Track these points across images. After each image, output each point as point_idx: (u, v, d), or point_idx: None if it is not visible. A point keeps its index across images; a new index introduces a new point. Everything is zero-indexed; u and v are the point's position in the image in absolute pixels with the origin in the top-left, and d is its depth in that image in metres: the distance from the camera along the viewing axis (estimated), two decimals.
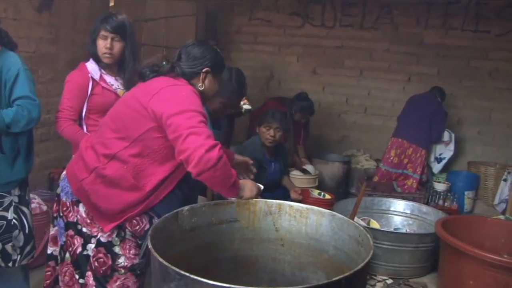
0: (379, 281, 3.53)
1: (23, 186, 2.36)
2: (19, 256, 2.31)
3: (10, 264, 2.28)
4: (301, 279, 2.05)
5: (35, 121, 2.28)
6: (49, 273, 2.24)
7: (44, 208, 3.46)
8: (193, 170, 1.74)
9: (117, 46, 2.74)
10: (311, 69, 6.44)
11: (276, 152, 3.73)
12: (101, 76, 2.80)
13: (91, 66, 2.79)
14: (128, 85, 2.87)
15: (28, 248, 2.38)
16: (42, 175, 4.11)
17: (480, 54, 5.77)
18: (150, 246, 1.53)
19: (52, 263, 2.23)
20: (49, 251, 2.25)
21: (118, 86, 2.86)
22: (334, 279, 1.38)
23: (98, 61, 2.80)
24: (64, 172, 2.16)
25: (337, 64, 6.32)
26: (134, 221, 2.01)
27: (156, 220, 2.01)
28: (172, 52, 5.46)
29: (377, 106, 6.25)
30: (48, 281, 2.24)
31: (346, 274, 1.40)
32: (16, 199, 2.31)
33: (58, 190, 2.18)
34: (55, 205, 2.21)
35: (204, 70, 2.09)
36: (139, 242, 2.05)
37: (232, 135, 4.89)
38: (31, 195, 3.32)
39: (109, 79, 2.84)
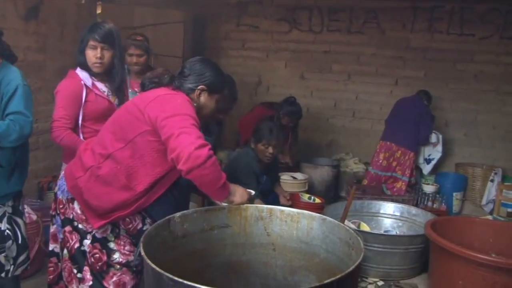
0: (370, 283, 3.55)
1: (17, 197, 2.35)
2: (12, 267, 2.30)
3: (3, 275, 2.27)
4: (293, 283, 2.06)
5: (26, 137, 2.27)
6: (51, 269, 2.31)
7: (34, 217, 3.44)
8: (182, 167, 1.77)
9: (107, 55, 2.74)
10: (299, 74, 6.47)
11: (268, 164, 3.70)
12: (93, 83, 2.80)
13: (82, 74, 2.79)
14: (117, 92, 2.90)
15: (21, 258, 2.37)
16: (31, 185, 4.09)
17: (465, 57, 5.85)
18: (143, 253, 1.54)
19: (54, 259, 2.30)
20: (50, 248, 2.32)
21: (109, 92, 2.86)
22: (325, 281, 1.40)
23: (86, 70, 2.79)
24: (62, 173, 2.24)
25: (325, 69, 6.36)
26: (127, 219, 2.07)
27: (148, 221, 2.08)
28: (160, 59, 5.48)
29: (365, 110, 6.30)
30: (51, 277, 2.31)
31: (338, 276, 1.42)
32: (9, 210, 2.30)
33: (56, 189, 2.24)
34: (53, 204, 2.26)
35: (199, 87, 2.14)
36: (133, 240, 2.09)
37: (220, 140, 4.89)
38: None
39: (100, 85, 2.84)
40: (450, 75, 5.92)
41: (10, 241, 2.29)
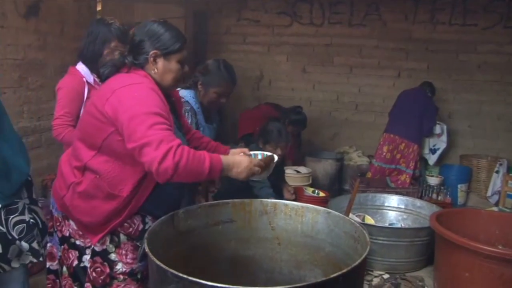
0: (375, 277, 3.54)
1: (28, 187, 2.32)
2: (43, 250, 2.32)
3: (41, 259, 2.30)
4: (299, 277, 2.05)
5: None
6: (49, 285, 2.22)
7: None
8: (159, 181, 1.71)
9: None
10: (301, 67, 6.45)
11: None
12: (94, 80, 2.77)
13: (83, 70, 2.77)
14: None
15: (44, 241, 2.39)
16: (35, 182, 4.08)
17: (468, 48, 5.81)
18: (147, 250, 1.52)
19: (51, 276, 2.21)
20: (47, 265, 2.23)
21: None
22: (331, 276, 1.38)
23: (92, 67, 2.75)
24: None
25: (326, 62, 6.34)
26: (125, 224, 1.96)
27: (149, 218, 1.99)
28: None
29: (368, 102, 6.28)
30: None
31: (344, 270, 1.41)
32: (27, 201, 2.32)
33: (50, 206, 2.17)
34: (49, 221, 2.20)
35: (151, 54, 1.93)
36: (137, 244, 1.99)
37: (222, 129, 4.91)
38: None
39: None
40: (453, 66, 5.89)
41: (36, 228, 2.32)
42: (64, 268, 2.08)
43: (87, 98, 2.71)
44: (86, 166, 1.90)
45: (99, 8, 5.20)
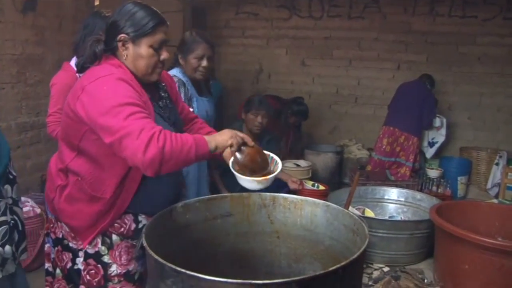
0: (375, 269, 3.54)
1: (12, 185, 2.28)
2: (19, 254, 2.28)
3: (16, 262, 2.25)
4: (298, 270, 2.04)
5: None
6: (47, 287, 2.19)
7: (38, 211, 3.44)
8: (148, 174, 1.60)
9: None
10: (300, 60, 6.44)
11: (261, 138, 3.74)
12: None
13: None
14: None
15: (23, 245, 2.31)
16: (34, 178, 4.09)
17: (468, 40, 5.79)
18: (145, 244, 1.52)
19: (49, 278, 2.16)
20: (45, 267, 2.19)
21: None
22: (330, 269, 1.38)
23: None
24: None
25: (326, 55, 6.33)
26: (116, 224, 1.89)
27: (142, 217, 1.92)
28: None
29: (368, 95, 6.27)
30: None
31: (343, 263, 1.40)
32: (9, 201, 2.27)
33: (46, 207, 2.16)
34: (45, 222, 2.18)
35: (117, 39, 1.78)
36: (132, 243, 1.92)
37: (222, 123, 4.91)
38: (24, 198, 3.30)
39: None
40: (453, 58, 5.87)
41: (15, 231, 2.27)
42: (58, 270, 2.04)
43: None
44: (68, 168, 1.84)
45: (97, 2, 5.18)
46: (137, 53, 1.78)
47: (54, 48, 4.19)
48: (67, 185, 1.87)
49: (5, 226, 2.15)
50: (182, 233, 1.89)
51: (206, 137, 1.72)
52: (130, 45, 1.78)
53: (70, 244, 1.95)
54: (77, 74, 2.62)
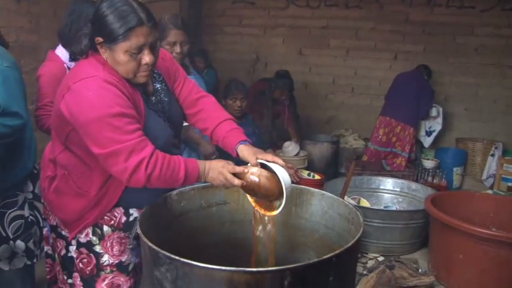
0: (370, 259, 3.56)
1: (34, 180, 2.23)
2: (39, 251, 2.24)
3: (35, 260, 2.22)
4: (293, 259, 2.05)
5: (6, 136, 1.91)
6: (48, 269, 2.21)
7: None
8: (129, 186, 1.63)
9: None
10: (297, 50, 6.41)
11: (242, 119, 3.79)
12: None
13: (64, 54, 2.57)
14: None
15: (44, 243, 2.29)
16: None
17: (465, 30, 5.77)
18: (139, 232, 1.52)
19: (49, 260, 2.19)
20: (45, 249, 2.22)
21: None
22: (324, 257, 1.38)
23: (70, 46, 2.49)
24: None
25: (323, 44, 6.30)
26: (106, 217, 1.85)
27: (133, 210, 1.87)
28: None
29: (364, 85, 6.26)
30: (49, 276, 2.21)
31: (337, 251, 1.41)
32: (29, 196, 2.23)
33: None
34: (43, 207, 2.16)
35: (95, 40, 1.65)
36: (124, 234, 1.89)
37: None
38: None
39: None
40: (450, 49, 5.85)
41: (35, 227, 2.24)
42: (56, 255, 2.06)
43: None
44: (56, 159, 1.82)
45: None
46: (114, 58, 1.64)
47: (49, 36, 4.14)
48: (56, 177, 1.85)
49: (19, 220, 2.13)
50: (177, 221, 1.89)
51: (200, 169, 1.66)
52: (106, 49, 1.64)
53: (63, 232, 1.96)
54: (65, 65, 2.56)
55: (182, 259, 1.32)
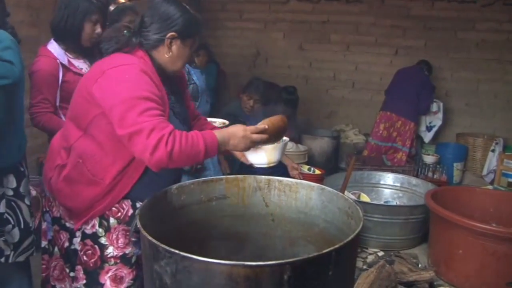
0: (370, 254, 3.56)
1: (19, 177, 2.17)
2: (12, 252, 2.18)
3: (2, 260, 2.20)
4: (292, 253, 2.05)
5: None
6: (44, 266, 2.18)
7: (34, 193, 3.41)
8: (152, 169, 1.64)
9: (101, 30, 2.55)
10: (297, 45, 6.40)
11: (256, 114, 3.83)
12: (69, 61, 2.56)
13: (56, 50, 2.54)
14: None
15: (25, 244, 2.22)
16: (30, 160, 4.04)
17: (466, 26, 5.76)
18: (139, 226, 1.51)
19: (46, 256, 2.16)
20: (42, 245, 2.19)
21: (87, 69, 2.60)
22: (324, 251, 1.38)
23: (68, 42, 2.56)
24: None
25: (323, 39, 6.29)
26: (113, 208, 1.89)
27: (140, 204, 1.88)
28: None
29: (365, 80, 6.25)
30: (44, 274, 2.18)
31: (336, 246, 1.40)
32: (9, 192, 2.19)
33: (43, 185, 2.13)
34: (44, 200, 2.16)
35: (168, 36, 1.82)
36: (129, 227, 1.91)
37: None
38: None
39: (77, 62, 2.60)
40: (451, 44, 5.84)
41: (10, 226, 2.18)
42: (56, 249, 2.05)
43: (62, 81, 2.51)
44: (72, 147, 1.84)
45: None
46: (180, 51, 1.86)
47: (49, 30, 4.08)
48: (66, 165, 1.86)
49: None
50: (177, 215, 1.89)
51: (218, 138, 1.71)
52: (177, 43, 1.84)
53: (67, 224, 1.97)
54: (57, 60, 2.51)
55: (181, 253, 1.32)
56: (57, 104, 2.56)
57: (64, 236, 2.00)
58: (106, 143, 1.78)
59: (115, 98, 1.65)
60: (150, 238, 1.41)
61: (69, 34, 2.55)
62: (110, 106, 1.66)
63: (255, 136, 1.77)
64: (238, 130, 1.76)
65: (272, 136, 1.86)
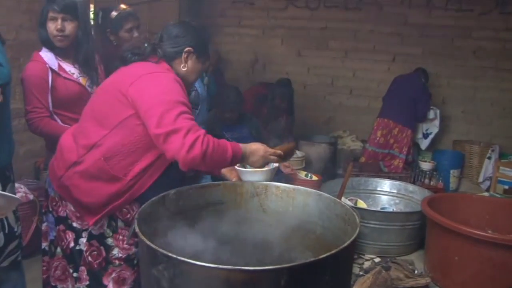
0: (367, 260, 3.55)
1: (4, 182, 2.13)
2: None
3: None
4: (290, 259, 2.05)
5: None
6: (45, 268, 2.21)
7: (31, 197, 3.44)
8: (183, 168, 1.74)
9: (69, 26, 2.53)
10: (295, 51, 6.42)
11: (239, 120, 3.84)
12: (59, 66, 2.58)
13: (46, 55, 2.57)
14: (85, 69, 2.66)
15: (9, 248, 2.19)
16: (28, 165, 4.08)
17: (463, 33, 5.80)
18: (137, 230, 1.52)
19: (46, 258, 2.18)
20: (42, 246, 2.21)
21: (79, 74, 2.65)
22: (321, 256, 1.39)
23: (52, 47, 2.58)
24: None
25: (321, 46, 6.32)
26: (124, 209, 1.97)
27: None
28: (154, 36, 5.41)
29: (363, 87, 6.27)
30: (45, 276, 2.21)
31: (333, 251, 1.41)
32: None
33: (46, 185, 2.15)
34: (44, 201, 2.17)
35: (186, 50, 2.01)
36: None
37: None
38: (17, 185, 3.28)
39: (68, 67, 2.63)
40: (448, 51, 5.88)
41: None
42: (59, 249, 2.07)
43: (52, 87, 2.52)
44: (96, 144, 1.90)
45: None
46: (196, 66, 2.07)
47: None
48: (84, 161, 1.91)
49: None
50: (175, 219, 1.90)
51: (243, 151, 1.89)
52: (193, 58, 2.05)
53: (74, 224, 2.00)
54: (47, 65, 2.53)
55: (179, 258, 1.32)
56: (50, 109, 2.56)
57: (70, 236, 2.02)
58: (136, 140, 1.88)
59: (154, 100, 1.77)
60: (148, 242, 1.42)
61: (44, 38, 2.58)
62: (147, 107, 1.77)
63: (272, 157, 1.99)
64: (259, 149, 1.96)
65: (281, 160, 2.08)
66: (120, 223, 1.98)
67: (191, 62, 2.05)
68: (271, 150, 1.98)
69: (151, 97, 1.80)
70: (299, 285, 1.36)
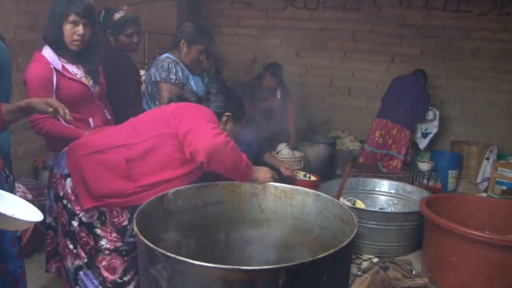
0: (365, 260, 3.57)
1: None
2: None
3: None
4: (288, 259, 2.06)
5: None
6: (48, 241, 2.30)
7: (29, 196, 3.43)
8: (202, 157, 1.88)
9: (88, 32, 2.52)
10: (294, 51, 6.41)
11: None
12: (63, 66, 2.54)
13: (50, 55, 2.51)
14: (91, 73, 2.65)
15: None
16: (26, 164, 4.07)
17: (462, 34, 5.79)
18: (136, 229, 1.53)
19: (51, 232, 2.27)
20: (47, 221, 2.27)
21: (81, 74, 2.62)
22: (319, 256, 1.40)
23: (58, 49, 2.53)
24: (65, 149, 2.19)
25: (320, 46, 6.31)
26: (114, 212, 2.04)
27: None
28: (153, 37, 5.39)
29: (361, 87, 6.27)
30: (49, 248, 2.31)
31: (331, 251, 1.42)
32: None
33: (53, 162, 2.24)
34: (48, 177, 2.25)
35: (226, 114, 2.34)
36: (119, 233, 2.07)
37: None
38: (15, 184, 3.28)
39: (71, 68, 2.59)
40: (446, 52, 5.87)
41: None
42: (59, 226, 2.16)
43: (56, 87, 2.48)
44: (125, 145, 2.04)
45: None
46: (233, 130, 2.41)
47: None
48: (108, 152, 2.03)
49: None
50: (174, 219, 1.91)
51: (253, 168, 2.11)
52: (231, 123, 2.39)
53: (69, 206, 2.06)
54: (51, 66, 2.49)
55: (178, 257, 1.33)
56: None
57: (64, 217, 2.10)
58: (161, 156, 2.04)
59: (191, 114, 2.09)
60: (146, 242, 1.42)
61: (53, 38, 2.53)
62: (184, 119, 2.05)
63: (273, 179, 2.18)
64: (266, 176, 2.15)
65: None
66: (108, 221, 2.06)
67: (229, 127, 2.38)
68: (275, 175, 2.20)
69: (189, 113, 2.10)
70: (297, 285, 1.37)
